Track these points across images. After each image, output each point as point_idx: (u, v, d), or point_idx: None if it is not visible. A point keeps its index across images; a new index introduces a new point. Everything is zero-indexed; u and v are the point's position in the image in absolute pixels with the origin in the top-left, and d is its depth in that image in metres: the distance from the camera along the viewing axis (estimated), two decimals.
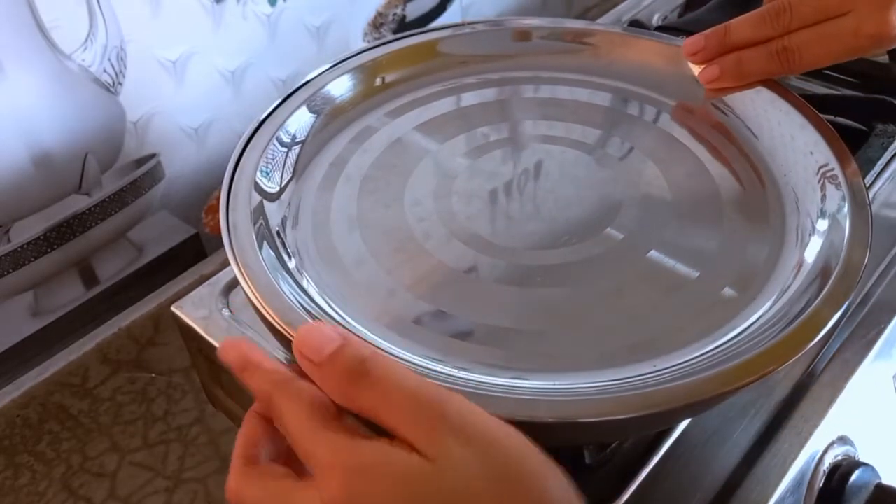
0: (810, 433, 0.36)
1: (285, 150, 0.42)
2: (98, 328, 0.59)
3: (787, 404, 0.37)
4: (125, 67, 0.51)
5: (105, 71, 0.50)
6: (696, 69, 0.45)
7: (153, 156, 0.56)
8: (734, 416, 0.37)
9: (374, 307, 0.35)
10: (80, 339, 0.58)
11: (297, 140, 0.43)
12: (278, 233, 0.38)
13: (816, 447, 0.36)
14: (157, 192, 0.57)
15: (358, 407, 0.25)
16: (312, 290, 0.35)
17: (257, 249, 0.35)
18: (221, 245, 0.36)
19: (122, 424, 0.55)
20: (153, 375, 0.59)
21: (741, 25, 0.42)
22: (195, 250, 0.62)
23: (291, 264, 0.37)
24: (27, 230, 0.51)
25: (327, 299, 0.35)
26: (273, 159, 0.41)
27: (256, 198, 0.38)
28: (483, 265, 0.37)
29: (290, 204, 0.40)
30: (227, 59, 0.57)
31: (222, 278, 0.44)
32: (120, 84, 0.51)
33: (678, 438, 0.35)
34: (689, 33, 0.47)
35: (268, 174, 0.40)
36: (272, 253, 0.36)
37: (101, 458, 0.53)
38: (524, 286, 0.36)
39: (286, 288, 0.34)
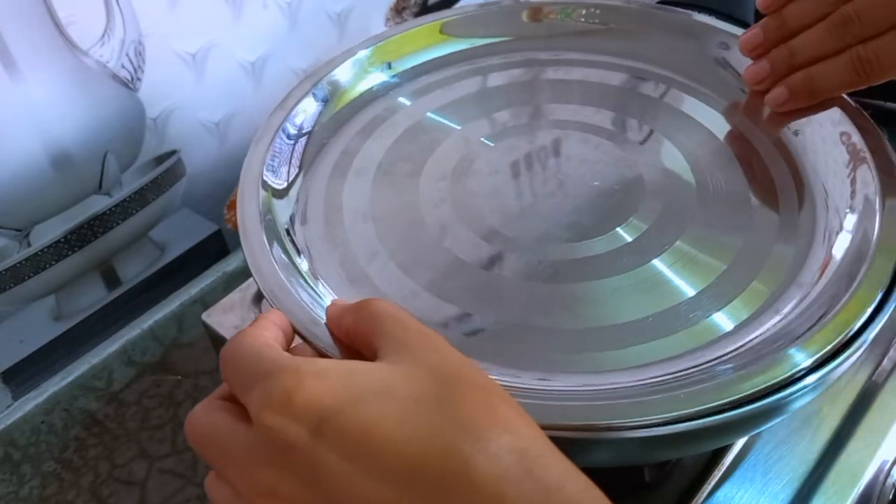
0: (878, 444, 0.34)
1: (291, 142, 0.41)
2: (121, 330, 0.57)
3: (852, 414, 0.35)
4: (143, 62, 0.49)
5: (123, 66, 0.48)
6: (769, 97, 0.41)
7: (174, 152, 0.54)
8: (797, 426, 0.35)
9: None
10: (103, 341, 0.56)
11: (303, 132, 0.42)
12: (287, 230, 0.37)
13: (885, 458, 0.34)
14: (179, 190, 0.55)
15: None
16: (324, 290, 0.34)
17: (272, 258, 0.33)
18: None
19: (149, 430, 0.54)
20: (179, 378, 0.57)
21: (805, 44, 0.39)
22: (218, 247, 0.61)
23: (304, 266, 0.35)
24: (47, 233, 0.49)
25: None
26: (280, 153, 0.40)
27: (265, 196, 0.37)
28: (502, 261, 0.35)
29: (297, 200, 0.39)
30: (247, 51, 0.55)
31: (253, 285, 0.42)
32: (139, 79, 0.49)
33: (739, 452, 0.34)
34: (705, 9, 0.44)
35: (275, 169, 0.39)
36: (284, 257, 0.35)
37: (129, 465, 0.52)
38: (545, 282, 0.34)
39: (303, 294, 0.32)
